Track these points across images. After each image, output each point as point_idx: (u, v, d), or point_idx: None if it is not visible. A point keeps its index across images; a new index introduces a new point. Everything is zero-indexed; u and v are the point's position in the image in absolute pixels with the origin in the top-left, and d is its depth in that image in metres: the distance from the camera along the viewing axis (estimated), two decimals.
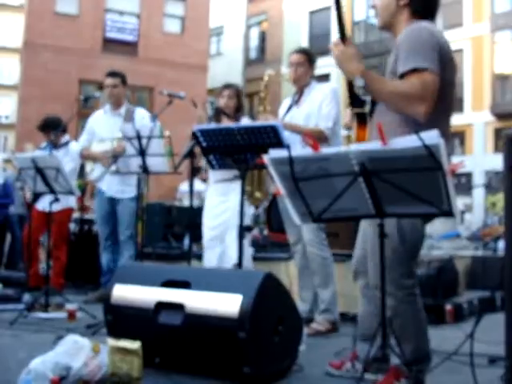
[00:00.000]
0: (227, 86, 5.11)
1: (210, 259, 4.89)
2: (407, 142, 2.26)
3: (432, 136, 2.22)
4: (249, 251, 4.98)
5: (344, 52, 2.79)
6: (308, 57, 4.84)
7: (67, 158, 6.08)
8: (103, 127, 6.09)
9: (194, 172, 5.06)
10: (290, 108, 4.88)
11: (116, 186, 5.99)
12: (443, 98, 2.77)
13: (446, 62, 2.77)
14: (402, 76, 2.73)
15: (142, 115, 5.99)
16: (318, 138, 4.51)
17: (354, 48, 2.82)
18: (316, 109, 4.67)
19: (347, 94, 3.01)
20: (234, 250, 4.60)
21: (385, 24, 3.03)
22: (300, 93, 4.86)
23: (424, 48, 2.71)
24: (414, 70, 2.68)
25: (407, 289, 2.88)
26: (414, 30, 2.80)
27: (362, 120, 3.03)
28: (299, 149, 4.21)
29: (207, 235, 4.97)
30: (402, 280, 2.86)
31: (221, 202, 4.95)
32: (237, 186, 4.91)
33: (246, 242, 4.80)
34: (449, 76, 2.81)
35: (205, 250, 4.99)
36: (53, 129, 6.43)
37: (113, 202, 6.03)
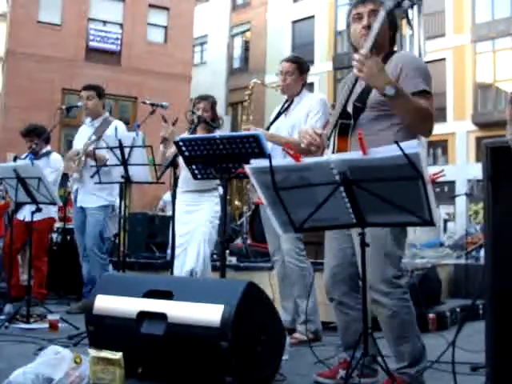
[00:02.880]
0: (202, 98, 5.09)
1: (177, 267, 4.88)
2: (387, 151, 2.28)
3: (412, 145, 2.23)
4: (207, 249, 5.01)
5: (378, 63, 2.79)
6: (298, 65, 4.76)
7: (48, 169, 6.05)
8: (79, 139, 6.18)
9: (177, 182, 5.06)
10: (277, 117, 4.86)
11: (84, 196, 6.00)
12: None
13: None
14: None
15: (112, 129, 5.92)
16: (300, 149, 4.50)
17: (380, 59, 2.90)
18: (302, 119, 4.62)
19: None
20: (191, 259, 4.86)
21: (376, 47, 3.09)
22: (290, 102, 4.81)
23: (428, 74, 3.00)
24: (424, 92, 2.91)
25: (401, 287, 2.98)
26: (415, 58, 3.31)
27: (343, 132, 3.08)
28: (280, 159, 4.22)
29: (176, 241, 4.87)
30: (394, 280, 2.95)
31: (187, 213, 5.02)
32: (205, 197, 5.05)
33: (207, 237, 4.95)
34: None
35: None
36: (37, 136, 6.41)
37: (83, 212, 6.03)
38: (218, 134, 4.02)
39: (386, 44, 3.19)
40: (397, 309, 2.95)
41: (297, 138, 4.60)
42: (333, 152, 3.01)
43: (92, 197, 5.93)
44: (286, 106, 4.85)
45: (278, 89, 4.87)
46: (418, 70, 2.98)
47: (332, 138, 3.08)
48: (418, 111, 2.86)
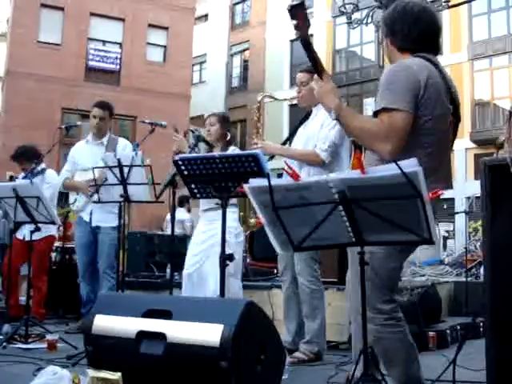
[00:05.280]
0: (210, 115, 5.07)
1: (187, 286, 4.77)
2: (386, 170, 2.28)
3: (410, 164, 2.24)
4: (235, 282, 4.70)
5: (322, 87, 2.95)
6: (313, 75, 4.71)
7: (45, 185, 6.06)
8: (85, 157, 6.09)
9: (181, 202, 5.07)
10: (296, 129, 4.85)
11: (98, 215, 5.95)
12: (417, 133, 2.83)
13: (427, 101, 2.81)
14: (376, 115, 2.84)
15: (124, 146, 5.99)
16: (311, 160, 4.50)
17: (330, 83, 2.96)
18: (317, 131, 4.59)
19: None
20: (213, 279, 4.53)
21: (390, 62, 3.11)
22: (308, 113, 4.78)
23: (396, 87, 2.81)
24: (384, 110, 2.78)
25: (385, 313, 2.87)
26: (390, 70, 2.91)
27: (357, 147, 3.12)
28: (302, 174, 4.21)
29: (189, 261, 4.84)
30: (378, 305, 2.86)
31: (206, 230, 4.86)
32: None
33: (232, 271, 4.53)
34: (434, 112, 2.84)
35: (183, 276, 4.87)
36: (26, 159, 6.45)
37: (94, 231, 5.99)
38: (217, 153, 4.02)
39: (392, 60, 3.10)
40: (379, 335, 2.86)
41: (310, 149, 4.60)
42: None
43: (109, 215, 5.82)
44: (305, 117, 4.82)
45: (283, 102, 4.89)
46: (383, 84, 2.89)
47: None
48: (357, 135, 2.92)
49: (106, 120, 6.10)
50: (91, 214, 5.99)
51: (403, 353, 2.90)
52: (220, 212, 4.52)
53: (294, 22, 2.89)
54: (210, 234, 4.76)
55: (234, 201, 4.82)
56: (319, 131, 4.57)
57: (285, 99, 5.07)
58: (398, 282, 3.01)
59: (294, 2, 2.83)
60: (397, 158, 2.70)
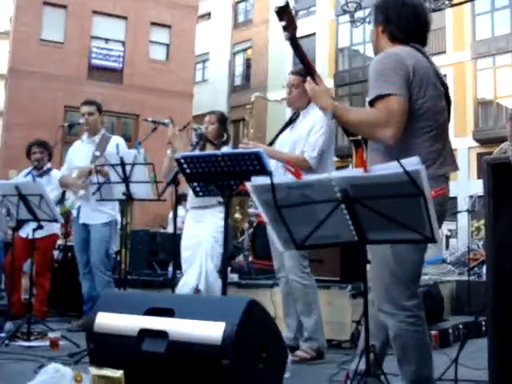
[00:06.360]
0: (209, 113, 5.15)
1: (185, 284, 4.96)
2: (388, 168, 2.28)
3: (412, 162, 2.23)
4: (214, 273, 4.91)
5: (314, 89, 3.02)
6: (304, 78, 4.69)
7: (50, 187, 6.07)
8: (78, 156, 6.18)
9: (180, 199, 5.10)
10: (282, 130, 4.84)
11: (87, 212, 5.98)
12: (418, 118, 2.87)
13: (418, 84, 2.86)
14: (372, 105, 2.87)
15: (115, 143, 5.93)
16: (300, 166, 4.49)
17: (323, 84, 3.04)
18: (305, 135, 4.58)
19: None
20: (194, 276, 4.85)
21: (376, 52, 3.13)
22: (296, 116, 4.78)
23: (386, 74, 2.85)
24: (379, 97, 2.82)
25: (408, 310, 2.86)
26: (377, 59, 2.95)
27: (358, 146, 3.13)
28: (281, 176, 4.21)
29: (183, 256, 5.09)
30: (401, 301, 2.85)
31: (193, 227, 5.06)
32: (209, 213, 5.00)
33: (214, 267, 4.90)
34: (427, 93, 2.88)
35: (183, 272, 5.10)
36: (46, 149, 6.54)
37: (86, 229, 6.02)
38: (219, 151, 4.02)
39: (380, 49, 3.11)
40: (400, 332, 2.85)
41: (298, 154, 4.61)
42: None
43: (96, 213, 5.91)
44: (292, 118, 4.82)
45: (283, 102, 4.88)
46: (372, 75, 2.92)
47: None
48: (357, 127, 2.97)
49: (94, 115, 6.11)
50: (79, 211, 6.03)
51: (419, 353, 2.89)
52: (207, 211, 4.98)
53: (282, 23, 2.94)
54: (196, 232, 5.02)
55: (219, 200, 4.96)
56: (307, 136, 4.56)
57: (276, 100, 5.08)
58: (421, 274, 3.00)
59: (280, 4, 2.88)
60: (403, 145, 2.77)
